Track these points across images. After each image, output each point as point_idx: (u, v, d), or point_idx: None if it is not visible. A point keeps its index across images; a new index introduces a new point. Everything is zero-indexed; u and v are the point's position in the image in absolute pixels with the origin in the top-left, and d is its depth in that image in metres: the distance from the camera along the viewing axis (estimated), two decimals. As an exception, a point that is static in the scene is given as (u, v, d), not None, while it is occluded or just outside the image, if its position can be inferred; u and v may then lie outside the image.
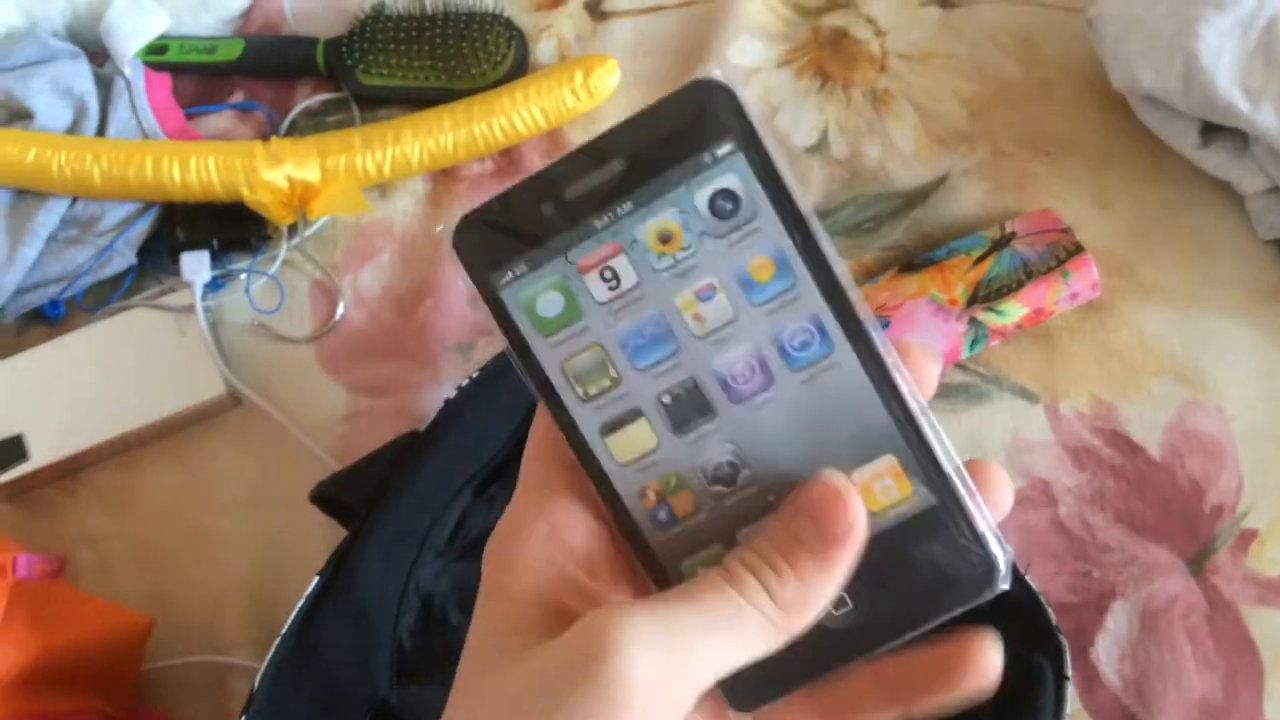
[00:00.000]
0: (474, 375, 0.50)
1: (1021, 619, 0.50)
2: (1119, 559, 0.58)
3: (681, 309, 0.31)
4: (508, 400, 0.50)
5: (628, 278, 0.31)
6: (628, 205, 0.31)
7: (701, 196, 0.31)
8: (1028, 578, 0.51)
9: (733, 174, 0.31)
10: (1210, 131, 0.60)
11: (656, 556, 0.32)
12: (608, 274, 0.31)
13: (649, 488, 0.32)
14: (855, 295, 0.31)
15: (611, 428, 0.32)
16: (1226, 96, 0.57)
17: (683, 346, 0.32)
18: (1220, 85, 0.57)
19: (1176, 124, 0.61)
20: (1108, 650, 0.56)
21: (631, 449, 0.32)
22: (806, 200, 0.31)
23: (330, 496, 0.54)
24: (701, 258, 0.31)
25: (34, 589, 0.50)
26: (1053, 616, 0.50)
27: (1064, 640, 0.50)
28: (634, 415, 0.32)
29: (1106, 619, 0.57)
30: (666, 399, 0.32)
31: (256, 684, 0.49)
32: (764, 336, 0.31)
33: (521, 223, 0.32)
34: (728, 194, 0.31)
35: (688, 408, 0.32)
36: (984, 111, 0.66)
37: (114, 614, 0.54)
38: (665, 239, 0.31)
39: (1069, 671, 0.49)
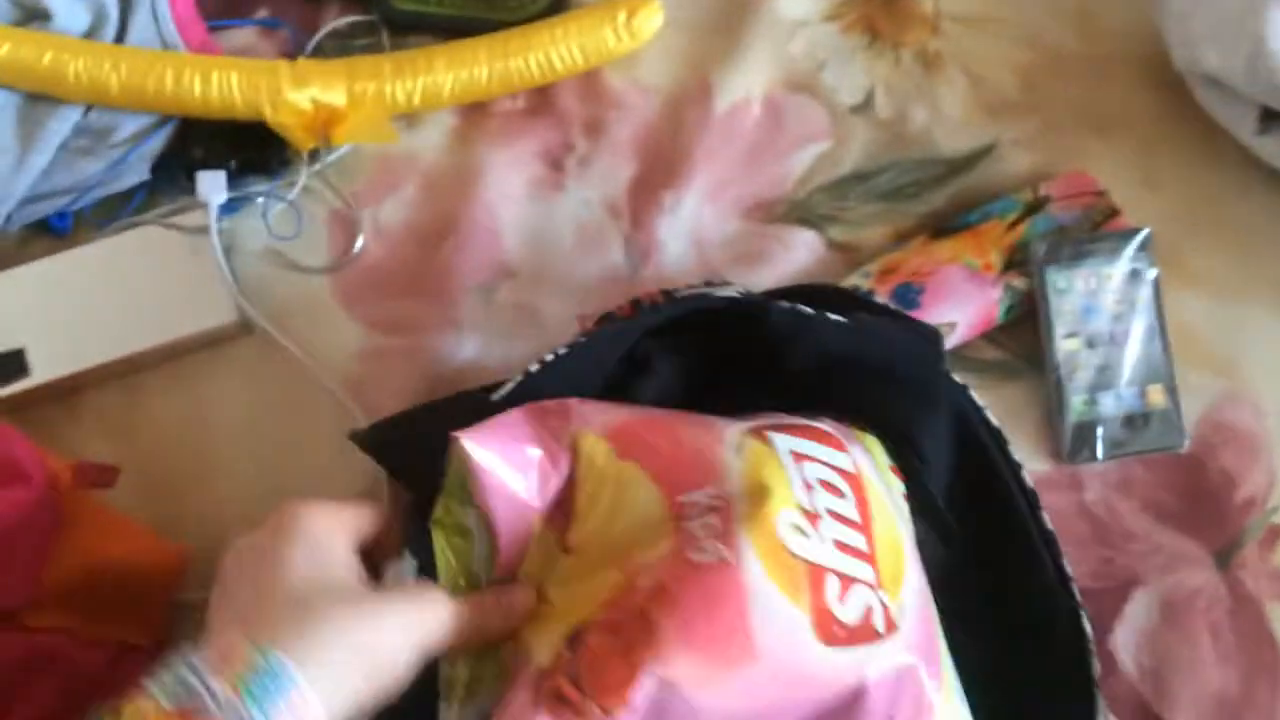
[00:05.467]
0: (560, 351, 0.47)
1: (1067, 665, 0.50)
2: (1144, 547, 0.57)
3: None
4: (590, 384, 0.48)
5: None
6: None
7: None
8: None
9: None
10: (1269, 119, 0.58)
11: None
12: None
13: None
14: None
15: None
16: (1293, 82, 0.55)
17: None
18: (1287, 70, 0.55)
19: (1236, 108, 0.59)
20: (1127, 639, 0.55)
21: None
22: None
23: (378, 442, 0.51)
24: None
25: (80, 504, 0.49)
26: (1096, 672, 0.50)
27: (1100, 703, 0.49)
28: None
29: (1126, 607, 0.56)
30: None
31: None
32: None
33: None
34: None
35: None
36: (1037, 82, 0.64)
37: (150, 539, 0.52)
38: None
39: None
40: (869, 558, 0.41)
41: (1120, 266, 0.58)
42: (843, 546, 0.40)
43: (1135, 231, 0.58)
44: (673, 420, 0.45)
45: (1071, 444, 0.57)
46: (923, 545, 0.46)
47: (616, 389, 0.48)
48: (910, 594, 0.42)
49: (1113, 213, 0.59)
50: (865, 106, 0.64)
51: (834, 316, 0.48)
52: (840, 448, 0.44)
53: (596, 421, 0.44)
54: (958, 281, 0.58)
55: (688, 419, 0.45)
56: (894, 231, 0.61)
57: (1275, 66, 0.55)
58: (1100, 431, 0.57)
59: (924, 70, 0.64)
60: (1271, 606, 0.55)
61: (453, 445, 0.42)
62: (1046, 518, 0.51)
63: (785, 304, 0.48)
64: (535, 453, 0.43)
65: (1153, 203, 0.61)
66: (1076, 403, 0.57)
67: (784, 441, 0.43)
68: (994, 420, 0.52)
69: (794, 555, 0.39)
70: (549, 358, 0.47)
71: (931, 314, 0.57)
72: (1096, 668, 0.49)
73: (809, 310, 0.48)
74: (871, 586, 0.40)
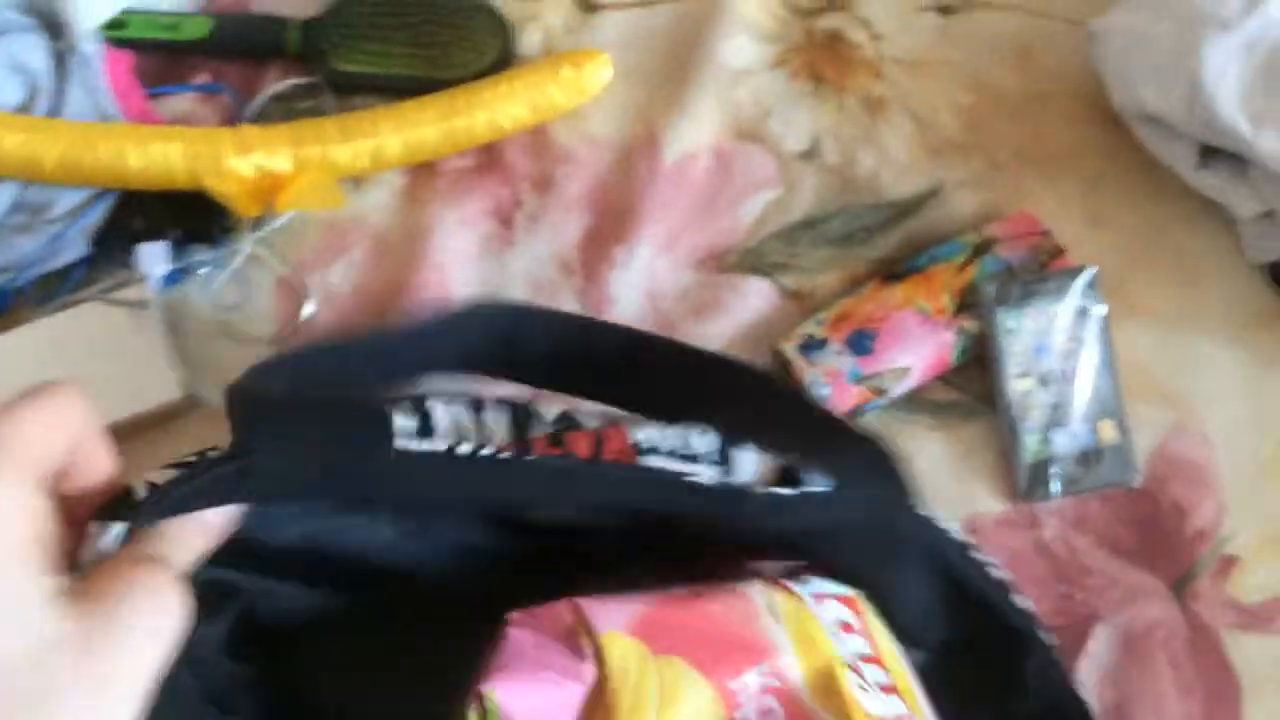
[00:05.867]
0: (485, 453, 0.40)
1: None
2: (1101, 582, 0.57)
3: None
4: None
5: None
6: None
7: None
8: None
9: None
10: (1208, 154, 0.60)
11: None
12: None
13: None
14: None
15: None
16: (1229, 120, 0.56)
17: None
18: (1222, 108, 0.56)
19: (1175, 145, 0.60)
20: (1089, 674, 0.56)
21: None
22: None
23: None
24: None
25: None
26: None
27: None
28: None
29: (1088, 643, 0.56)
30: None
31: None
32: None
33: None
34: None
35: None
36: (979, 123, 0.64)
37: None
38: None
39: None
40: (896, 690, 0.38)
41: (1068, 305, 0.59)
42: (885, 688, 0.38)
43: (1081, 269, 0.59)
44: (694, 597, 0.39)
45: (1028, 483, 0.58)
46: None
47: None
48: (928, 710, 0.40)
49: (1058, 252, 0.60)
50: (813, 153, 0.64)
51: (811, 490, 0.43)
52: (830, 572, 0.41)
53: (616, 618, 0.37)
54: (911, 326, 0.59)
55: (706, 591, 0.39)
56: (846, 276, 0.62)
57: (1211, 105, 0.56)
58: (1055, 469, 0.58)
59: (869, 115, 0.65)
60: (1229, 636, 0.56)
61: (477, 699, 0.35)
62: (1017, 599, 0.50)
63: (760, 491, 0.42)
64: (561, 679, 0.36)
65: (1098, 239, 0.62)
66: (1031, 442, 0.58)
67: (801, 586, 0.39)
68: (954, 531, 0.49)
69: (870, 716, 0.36)
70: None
71: (885, 359, 0.58)
72: None
73: (786, 493, 0.42)
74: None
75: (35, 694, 0.27)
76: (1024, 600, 0.48)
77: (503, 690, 0.35)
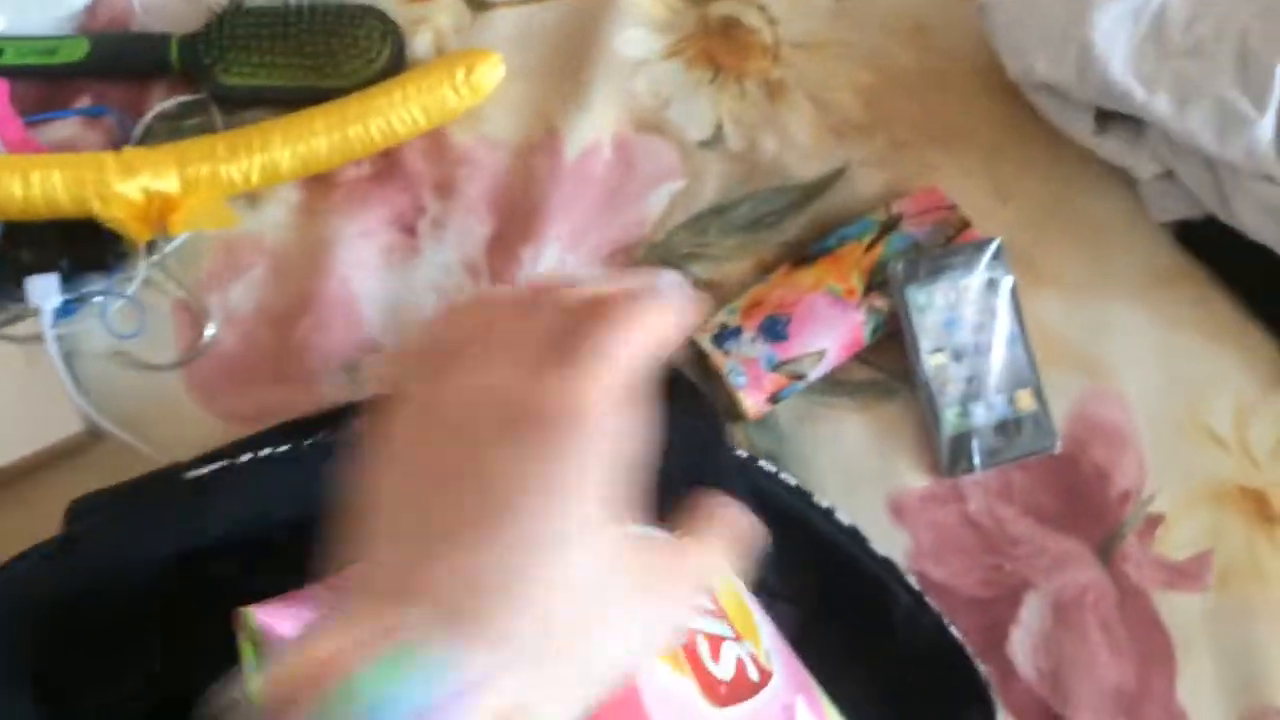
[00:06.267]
0: (279, 450, 0.42)
1: (952, 675, 0.51)
2: (1029, 551, 0.57)
3: None
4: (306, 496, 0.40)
5: None
6: None
7: None
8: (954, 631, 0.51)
9: None
10: (1105, 118, 0.60)
11: None
12: None
13: None
14: None
15: None
16: (1121, 84, 0.56)
17: None
18: (1115, 72, 0.56)
19: (1071, 112, 0.60)
20: (1022, 643, 0.56)
21: None
22: None
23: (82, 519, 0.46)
24: None
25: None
26: (982, 673, 0.50)
27: (995, 701, 0.50)
28: None
29: (1020, 611, 0.56)
30: None
31: None
32: None
33: None
34: None
35: None
36: (879, 101, 0.64)
37: None
38: None
39: None
40: (721, 615, 0.40)
41: (976, 278, 0.59)
42: (711, 613, 0.40)
43: (988, 242, 0.59)
44: None
45: (949, 457, 0.58)
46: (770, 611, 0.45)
47: None
48: (769, 638, 0.42)
49: (964, 225, 0.60)
50: (715, 140, 0.64)
51: None
52: None
53: None
54: (822, 308, 0.58)
55: None
56: (757, 263, 0.61)
57: (1104, 70, 0.57)
58: (975, 442, 0.58)
59: (769, 99, 0.64)
60: (1157, 595, 0.56)
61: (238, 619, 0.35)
62: (875, 548, 0.52)
63: None
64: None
65: (1003, 210, 0.62)
66: (949, 416, 0.58)
67: None
68: (791, 479, 0.52)
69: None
70: (265, 453, 0.43)
71: (800, 344, 0.57)
72: (982, 669, 0.50)
73: None
74: (735, 640, 0.40)
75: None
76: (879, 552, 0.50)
77: (261, 611, 0.34)
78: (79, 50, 0.62)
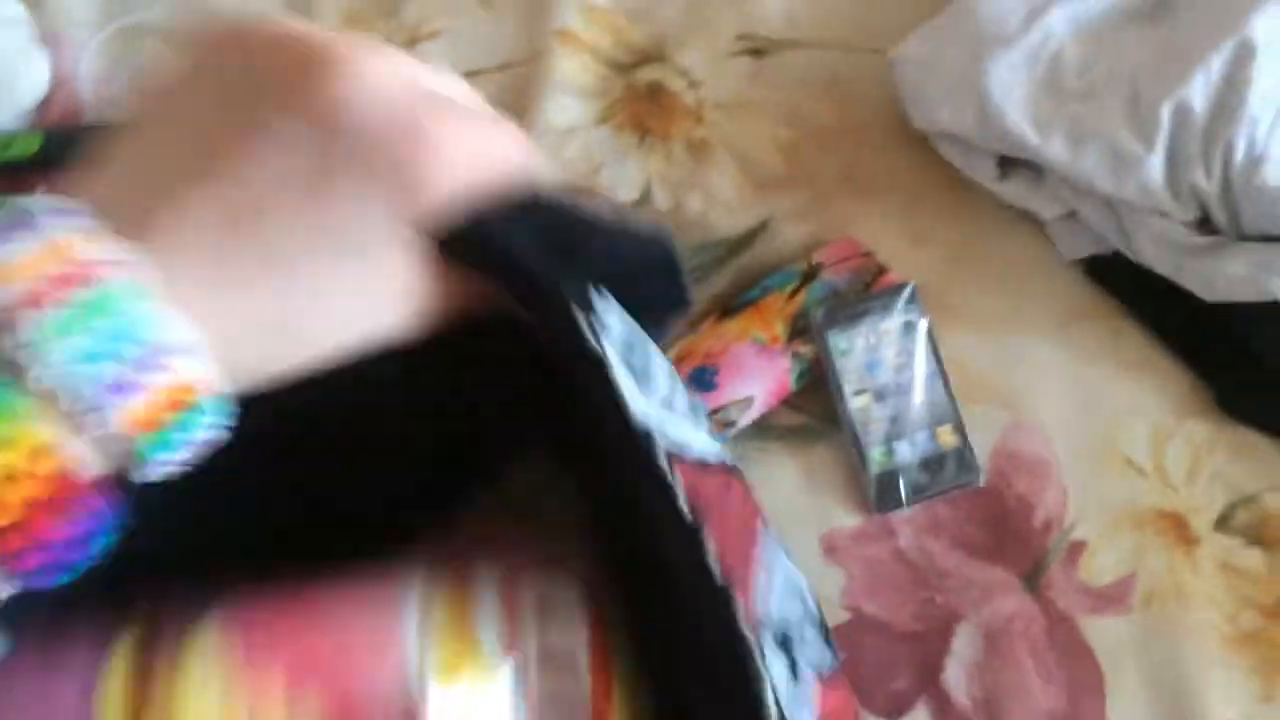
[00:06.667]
0: None
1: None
2: (958, 583, 0.59)
3: None
4: None
5: None
6: None
7: None
8: None
9: None
10: (1008, 164, 0.63)
11: None
12: None
13: None
14: None
15: None
16: (1017, 130, 0.59)
17: None
18: (1010, 120, 0.59)
19: (976, 159, 0.63)
20: (956, 674, 0.57)
21: None
22: None
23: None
24: None
25: None
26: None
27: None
28: None
29: (953, 643, 0.58)
30: None
31: None
32: None
33: None
34: None
35: None
36: (800, 156, 0.67)
37: None
38: None
39: None
40: None
41: (894, 320, 0.61)
42: None
43: (903, 286, 0.62)
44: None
45: (877, 495, 0.60)
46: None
47: None
48: None
49: (881, 271, 0.63)
50: (644, 200, 0.67)
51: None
52: None
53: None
54: (749, 357, 0.61)
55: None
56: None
57: (1000, 117, 0.60)
58: (902, 479, 0.60)
59: (694, 159, 0.67)
60: (1084, 620, 0.58)
61: None
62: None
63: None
64: None
65: (920, 255, 0.65)
66: (875, 454, 0.60)
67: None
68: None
69: None
70: None
71: (728, 392, 0.60)
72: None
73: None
74: None
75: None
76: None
77: None
78: (31, 145, 0.65)
